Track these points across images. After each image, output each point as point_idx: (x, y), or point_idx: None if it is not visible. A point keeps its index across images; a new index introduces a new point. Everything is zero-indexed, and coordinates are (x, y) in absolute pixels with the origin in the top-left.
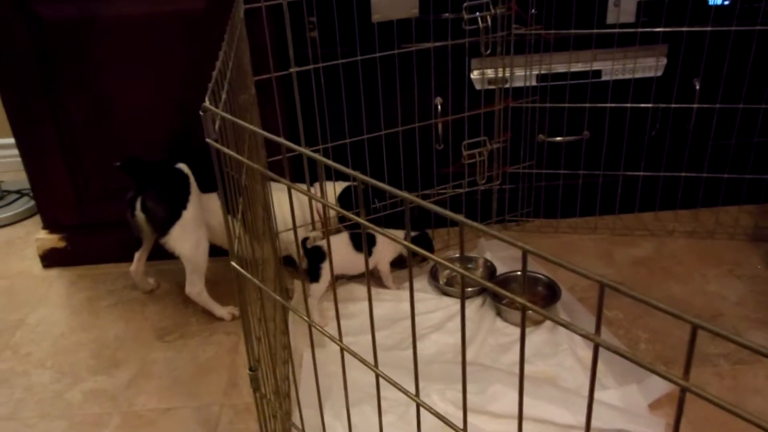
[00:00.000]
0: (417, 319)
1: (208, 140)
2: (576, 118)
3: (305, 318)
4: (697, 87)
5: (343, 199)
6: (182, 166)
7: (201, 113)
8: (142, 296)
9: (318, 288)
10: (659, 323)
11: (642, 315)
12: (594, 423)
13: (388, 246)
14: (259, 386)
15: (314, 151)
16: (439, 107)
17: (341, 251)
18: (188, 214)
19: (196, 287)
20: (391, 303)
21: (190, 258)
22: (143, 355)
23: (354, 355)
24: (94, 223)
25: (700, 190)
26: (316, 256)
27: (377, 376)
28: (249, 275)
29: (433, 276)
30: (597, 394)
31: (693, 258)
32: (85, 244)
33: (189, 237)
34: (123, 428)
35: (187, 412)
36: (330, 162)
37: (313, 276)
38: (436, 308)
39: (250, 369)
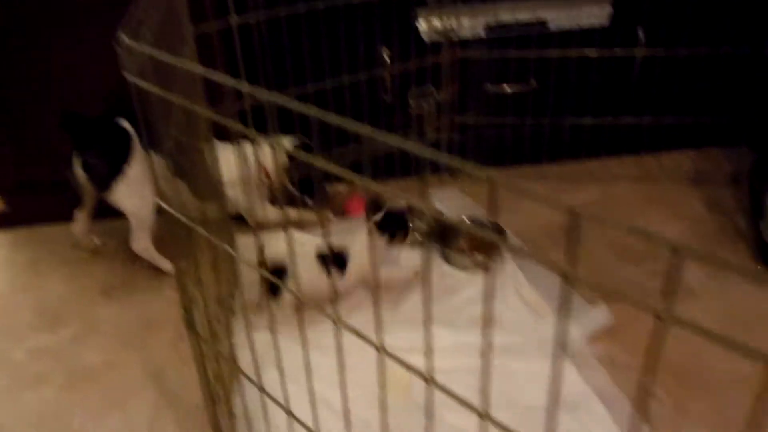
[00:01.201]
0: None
1: (126, 75)
2: (522, 68)
3: (244, 261)
4: (641, 34)
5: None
6: (123, 122)
7: (116, 46)
8: (86, 255)
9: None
10: (601, 263)
11: (585, 256)
12: (527, 354)
13: (366, 261)
14: (193, 325)
15: (257, 106)
16: (387, 58)
17: (307, 268)
18: (131, 170)
19: (141, 243)
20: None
21: (136, 214)
22: (88, 313)
23: (301, 298)
24: (34, 183)
25: (643, 136)
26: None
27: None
28: (174, 212)
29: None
30: (529, 327)
31: (637, 201)
32: (26, 205)
33: (134, 193)
34: (67, 384)
35: (134, 365)
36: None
37: (274, 291)
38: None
39: (184, 309)
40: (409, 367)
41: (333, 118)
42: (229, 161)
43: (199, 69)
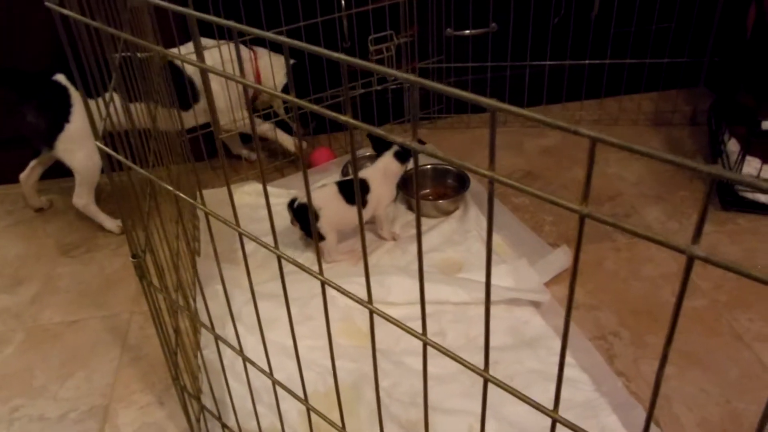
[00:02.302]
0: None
1: (47, 3)
2: (482, 11)
3: (203, 209)
4: None
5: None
6: (60, 78)
7: None
8: (44, 214)
9: (328, 244)
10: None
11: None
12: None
13: (384, 189)
14: (145, 274)
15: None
16: (343, 2)
17: (332, 206)
18: (72, 126)
19: (83, 199)
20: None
21: (80, 170)
22: (47, 271)
23: (254, 239)
24: None
25: (604, 78)
26: (306, 216)
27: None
28: (118, 156)
29: (345, 174)
30: (496, 269)
31: (597, 145)
32: None
33: (78, 148)
34: (28, 343)
35: (96, 322)
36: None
37: (311, 235)
38: None
39: (133, 256)
40: (349, 295)
41: (310, 47)
42: (216, 63)
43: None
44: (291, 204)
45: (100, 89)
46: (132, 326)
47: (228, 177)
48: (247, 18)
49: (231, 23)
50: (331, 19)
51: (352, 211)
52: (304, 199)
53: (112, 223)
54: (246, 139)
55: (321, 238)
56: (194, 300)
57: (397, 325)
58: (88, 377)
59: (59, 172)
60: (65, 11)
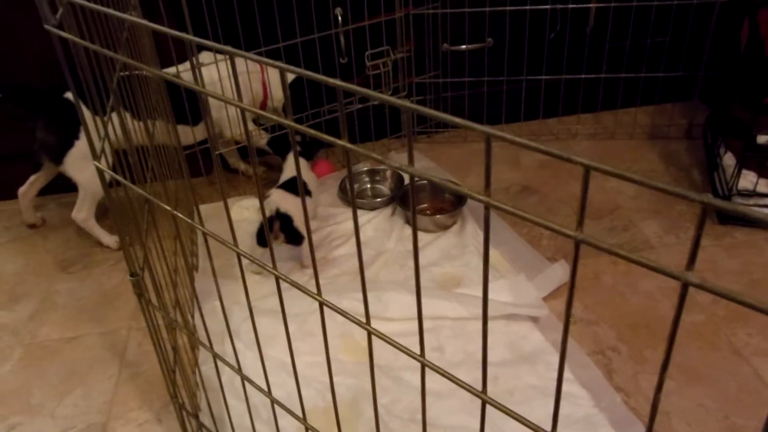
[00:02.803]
0: (326, 230)
1: (46, 26)
2: (478, 26)
3: (202, 229)
4: None
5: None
6: (70, 95)
7: None
8: (42, 230)
9: (305, 247)
10: (561, 220)
11: (545, 214)
12: (491, 309)
13: (315, 184)
14: (142, 292)
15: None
16: (339, 18)
17: (294, 206)
18: (82, 142)
19: (82, 213)
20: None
21: (86, 186)
22: (46, 288)
23: (251, 259)
24: None
25: (599, 92)
26: (284, 221)
27: (277, 279)
28: (116, 176)
29: (342, 189)
30: (494, 285)
31: (594, 158)
32: None
33: (86, 165)
34: (26, 360)
35: (94, 339)
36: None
37: (296, 240)
38: (346, 220)
39: (131, 275)
40: (347, 316)
41: (307, 73)
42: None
43: (134, 19)
44: (271, 220)
45: (98, 109)
46: (130, 342)
47: (225, 194)
48: (244, 33)
49: (228, 48)
50: (328, 35)
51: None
52: (280, 208)
53: (109, 239)
54: (244, 153)
55: (302, 239)
56: (192, 316)
57: (395, 346)
58: (86, 394)
59: (56, 188)
60: (65, 34)
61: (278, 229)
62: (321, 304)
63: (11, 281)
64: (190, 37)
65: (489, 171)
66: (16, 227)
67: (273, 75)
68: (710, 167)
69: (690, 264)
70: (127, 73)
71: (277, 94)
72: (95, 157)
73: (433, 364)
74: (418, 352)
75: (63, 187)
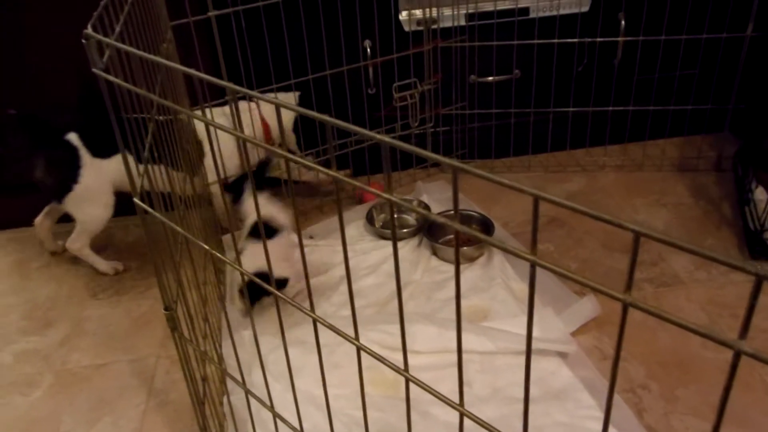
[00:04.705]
0: (352, 261)
1: (94, 70)
2: (505, 58)
3: (235, 266)
4: (622, 21)
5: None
6: (72, 137)
7: (84, 40)
8: (74, 256)
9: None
10: (588, 253)
11: (573, 246)
12: (512, 347)
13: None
14: (177, 326)
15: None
16: (368, 50)
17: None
18: (80, 186)
19: (76, 243)
20: (326, 248)
21: (84, 222)
22: (76, 314)
23: (289, 301)
24: (17, 185)
25: (627, 124)
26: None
27: (314, 320)
28: (155, 212)
29: (369, 220)
30: (516, 320)
31: (622, 190)
32: (10, 207)
33: (86, 205)
34: (56, 386)
35: (123, 366)
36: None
37: (283, 285)
38: (372, 250)
39: (165, 309)
40: (385, 363)
41: (302, 110)
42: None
43: (176, 65)
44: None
45: (139, 148)
46: (158, 370)
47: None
48: (274, 66)
49: (230, 85)
50: (356, 67)
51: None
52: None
53: (106, 266)
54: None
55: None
56: (219, 346)
57: (433, 394)
58: (114, 422)
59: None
60: (111, 78)
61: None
62: (359, 350)
63: (44, 306)
64: (246, 90)
65: (536, 232)
66: (49, 252)
67: (279, 98)
68: (741, 201)
69: (743, 333)
70: (166, 117)
71: (284, 130)
72: (135, 194)
73: (472, 414)
74: (451, 388)
75: None
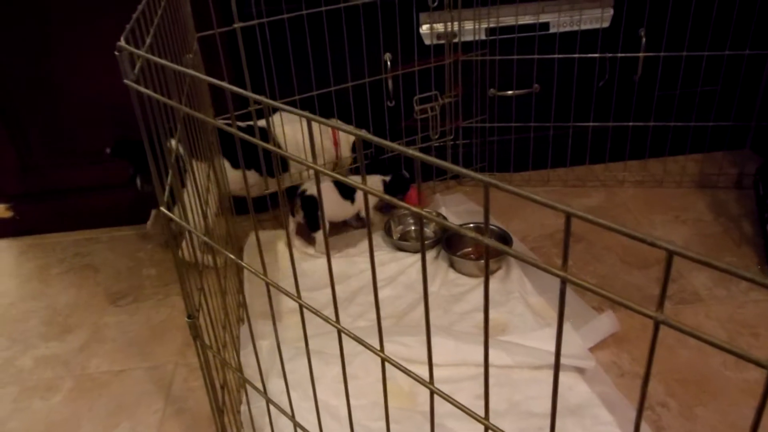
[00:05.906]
0: (369, 273)
1: (126, 81)
2: (526, 72)
3: (260, 275)
4: (643, 37)
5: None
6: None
7: (116, 53)
8: (94, 263)
9: (322, 234)
10: (607, 269)
11: (591, 261)
12: (529, 361)
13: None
14: (199, 334)
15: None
16: (389, 63)
17: (330, 198)
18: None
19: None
20: (344, 259)
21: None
22: (96, 320)
23: (314, 312)
24: (41, 192)
25: (647, 140)
26: (311, 206)
27: (339, 331)
28: (178, 219)
29: (387, 232)
30: (533, 334)
31: (642, 206)
32: (33, 213)
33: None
34: (76, 391)
35: (141, 373)
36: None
37: (313, 226)
38: (390, 262)
39: (188, 317)
40: (410, 375)
41: (375, 139)
42: (296, 128)
43: (201, 75)
44: (300, 194)
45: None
46: (176, 378)
47: (292, 254)
48: (297, 77)
49: (306, 113)
50: (378, 80)
51: (343, 205)
52: (312, 191)
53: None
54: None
55: (317, 228)
56: (237, 354)
57: (459, 408)
58: (132, 428)
59: (107, 221)
60: (143, 89)
61: (299, 206)
62: (383, 361)
63: (64, 312)
64: (270, 101)
65: (567, 248)
66: (70, 259)
67: (343, 134)
68: (761, 219)
69: None
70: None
71: (345, 152)
72: (161, 203)
73: (497, 427)
74: (470, 401)
75: (113, 221)
